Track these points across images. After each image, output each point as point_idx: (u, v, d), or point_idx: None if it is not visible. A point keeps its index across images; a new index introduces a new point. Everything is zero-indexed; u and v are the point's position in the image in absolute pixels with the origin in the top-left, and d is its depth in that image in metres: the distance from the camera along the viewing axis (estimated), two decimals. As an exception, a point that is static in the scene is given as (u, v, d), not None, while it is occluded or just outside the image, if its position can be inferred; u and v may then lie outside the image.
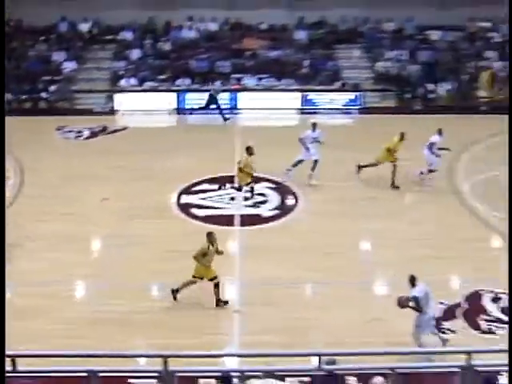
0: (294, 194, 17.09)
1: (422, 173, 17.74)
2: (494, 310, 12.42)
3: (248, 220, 15.59)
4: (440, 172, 17.96)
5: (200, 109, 23.05)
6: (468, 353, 5.96)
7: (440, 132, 17.42)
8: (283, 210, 16.27)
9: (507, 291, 12.56)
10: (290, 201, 16.74)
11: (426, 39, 26.73)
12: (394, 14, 26.56)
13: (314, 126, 17.62)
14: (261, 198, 16.74)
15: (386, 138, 17.63)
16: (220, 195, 16.89)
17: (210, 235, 12.16)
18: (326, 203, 16.47)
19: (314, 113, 23.61)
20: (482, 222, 15.74)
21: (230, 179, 17.34)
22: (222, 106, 23.04)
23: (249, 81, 24.72)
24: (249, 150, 16.39)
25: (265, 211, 16.14)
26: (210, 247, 12.07)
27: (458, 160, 19.37)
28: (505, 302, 12.54)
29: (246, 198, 16.62)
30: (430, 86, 24.64)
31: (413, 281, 10.70)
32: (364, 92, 24.43)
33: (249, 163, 16.33)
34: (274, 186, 17.36)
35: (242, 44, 25.87)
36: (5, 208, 11.49)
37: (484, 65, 25.30)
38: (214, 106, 22.81)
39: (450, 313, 12.23)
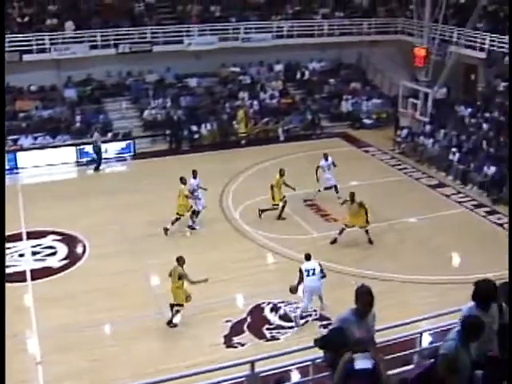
0: (81, 242, 16.75)
1: (319, 190, 19.25)
2: (274, 319, 13.09)
3: (39, 273, 15.08)
4: (213, 203, 18.77)
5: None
6: (251, 362, 6.27)
7: (326, 157, 19.50)
8: (72, 258, 15.87)
9: (284, 300, 13.44)
10: (78, 249, 16.45)
11: (185, 86, 27.73)
12: (154, 66, 27.30)
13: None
14: (49, 251, 16.22)
15: (159, 179, 18.23)
16: (10, 253, 15.98)
17: (179, 259, 12.60)
18: (112, 246, 16.43)
19: (92, 164, 23.27)
20: (253, 242, 16.64)
21: (16, 237, 16.55)
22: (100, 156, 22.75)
23: (25, 141, 23.71)
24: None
25: (55, 262, 15.69)
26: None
27: (229, 190, 20.40)
28: (283, 310, 13.34)
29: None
30: (194, 128, 25.57)
31: (308, 257, 12.86)
32: (135, 139, 24.56)
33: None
34: (60, 237, 16.91)
35: (15, 106, 24.81)
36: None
37: (238, 104, 26.86)
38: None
39: (237, 328, 12.74)
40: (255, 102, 27.53)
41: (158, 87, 27.18)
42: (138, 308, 13.41)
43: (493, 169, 20.41)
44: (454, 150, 22.42)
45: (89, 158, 23.38)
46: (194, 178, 17.51)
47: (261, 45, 27.71)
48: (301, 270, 12.69)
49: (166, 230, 17.00)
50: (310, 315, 13.15)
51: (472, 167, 21.26)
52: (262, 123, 26.70)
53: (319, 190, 19.38)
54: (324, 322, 12.72)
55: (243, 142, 25.75)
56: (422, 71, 25.25)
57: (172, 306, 12.88)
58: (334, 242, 16.40)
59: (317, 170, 19.19)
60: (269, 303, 13.63)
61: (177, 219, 17.08)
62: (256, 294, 13.88)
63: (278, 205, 17.91)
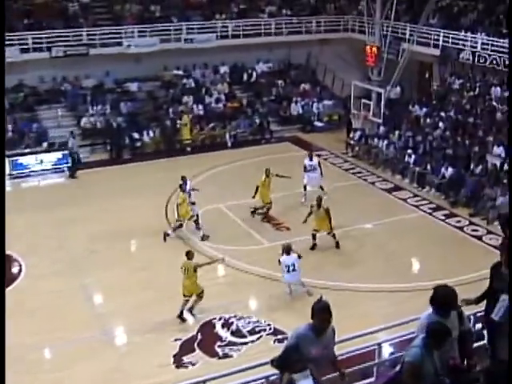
0: (16, 260, 16.33)
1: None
2: (226, 335, 13.00)
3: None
4: (159, 215, 18.61)
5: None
6: (203, 382, 6.18)
7: (310, 156, 20.47)
8: (7, 279, 15.45)
9: (236, 314, 13.45)
10: (13, 269, 16.04)
11: (125, 91, 27.46)
12: (91, 70, 26.88)
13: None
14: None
15: (102, 189, 17.95)
16: None
17: (188, 253, 13.57)
18: (50, 264, 16.12)
19: (27, 176, 22.81)
20: (201, 254, 16.30)
21: None
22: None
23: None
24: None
25: (-13, 284, 15.08)
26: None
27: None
28: (235, 325, 13.28)
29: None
30: (136, 135, 25.29)
31: (288, 250, 14.03)
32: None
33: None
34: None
35: None
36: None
37: (182, 109, 26.72)
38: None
39: (187, 347, 12.60)
40: (200, 107, 27.51)
41: (96, 93, 26.83)
42: (79, 329, 13.19)
43: (450, 170, 20.80)
44: (409, 151, 22.82)
45: (24, 170, 22.95)
46: (185, 183, 17.87)
47: (204, 46, 27.70)
48: (280, 263, 14.09)
49: (166, 235, 17.23)
50: (264, 330, 13.11)
51: (429, 169, 21.67)
52: (207, 129, 26.67)
53: (322, 189, 20.06)
54: (279, 337, 12.71)
55: (189, 149, 25.69)
56: (374, 70, 25.63)
57: (187, 300, 13.61)
58: (313, 247, 16.59)
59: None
60: (220, 318, 13.57)
61: (180, 225, 17.42)
62: (206, 309, 13.80)
63: (270, 203, 18.70)
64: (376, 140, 24.87)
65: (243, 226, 18.38)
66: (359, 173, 23.17)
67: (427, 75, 28.68)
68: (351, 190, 21.37)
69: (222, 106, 28.12)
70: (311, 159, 20.47)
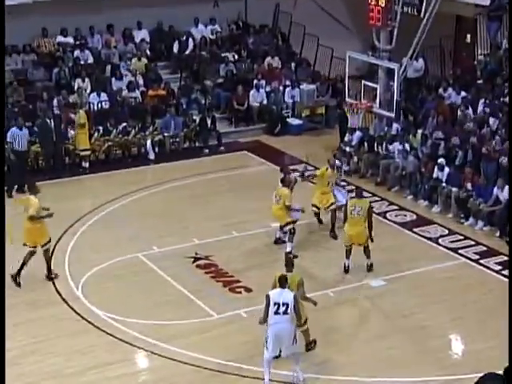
0: None
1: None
2: None
3: None
4: (40, 270, 18.30)
5: None
6: None
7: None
8: None
9: None
10: None
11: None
12: None
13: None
14: None
15: None
16: None
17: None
18: None
19: None
20: (106, 336, 16.30)
21: None
22: None
23: None
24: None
25: None
26: None
27: (65, 248, 20.01)
28: None
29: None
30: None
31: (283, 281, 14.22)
32: None
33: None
34: None
35: None
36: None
37: (73, 100, 26.55)
38: None
39: None
40: (103, 96, 27.39)
41: None
42: None
43: (507, 191, 20.69)
44: (440, 162, 22.71)
45: None
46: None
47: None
48: (268, 299, 14.05)
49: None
50: None
51: (473, 191, 21.63)
52: (117, 132, 26.40)
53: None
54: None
55: (86, 164, 25.45)
56: (381, 34, 25.49)
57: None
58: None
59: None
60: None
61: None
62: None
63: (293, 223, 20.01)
64: (386, 146, 24.87)
65: (177, 285, 18.34)
66: (362, 198, 23.16)
67: (468, 39, 28.81)
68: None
69: (139, 94, 28.04)
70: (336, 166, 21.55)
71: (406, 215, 22.17)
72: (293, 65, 30.58)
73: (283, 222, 19.58)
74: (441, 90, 26.41)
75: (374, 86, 25.59)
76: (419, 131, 24.63)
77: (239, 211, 21.70)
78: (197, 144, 27.42)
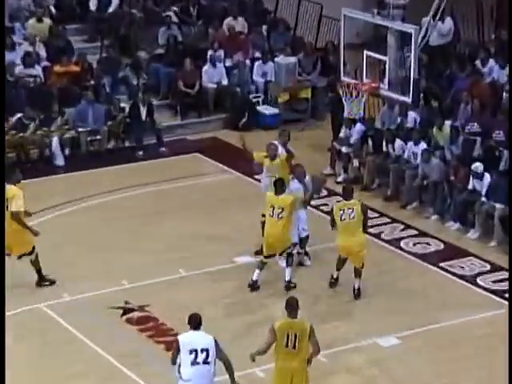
0: None
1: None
2: None
3: None
4: None
5: None
6: None
7: None
8: None
9: None
10: None
11: None
12: None
13: None
14: None
15: None
16: None
17: None
18: None
19: None
20: None
21: None
22: None
23: None
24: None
25: None
26: None
27: None
28: None
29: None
30: None
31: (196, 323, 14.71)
32: None
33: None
34: None
35: None
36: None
37: None
38: None
39: None
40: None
41: None
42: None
43: None
44: (478, 166, 22.93)
45: None
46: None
47: None
48: (178, 344, 14.56)
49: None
50: None
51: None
52: (8, 127, 26.49)
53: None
54: None
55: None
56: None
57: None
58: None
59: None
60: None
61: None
62: None
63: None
64: (400, 144, 25.12)
65: (97, 349, 18.25)
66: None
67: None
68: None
69: (41, 72, 28.20)
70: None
71: (429, 243, 22.38)
72: (264, 28, 30.82)
73: (286, 245, 20.06)
74: (478, 63, 26.70)
75: (382, 58, 25.66)
76: (447, 123, 24.93)
77: (190, 240, 21.84)
78: (127, 143, 27.72)
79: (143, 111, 27.55)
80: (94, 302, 19.66)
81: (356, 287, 19.77)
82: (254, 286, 20.15)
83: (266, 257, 20.21)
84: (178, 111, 28.95)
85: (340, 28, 26.65)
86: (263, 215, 20.73)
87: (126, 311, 19.41)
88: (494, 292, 20.26)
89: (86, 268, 20.93)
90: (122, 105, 27.81)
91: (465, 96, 25.31)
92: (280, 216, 19.72)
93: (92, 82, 28.32)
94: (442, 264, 21.42)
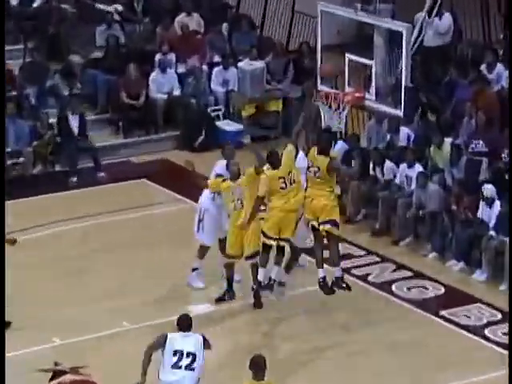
0: None
1: None
2: None
3: None
4: None
5: None
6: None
7: None
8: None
9: None
10: None
11: None
12: None
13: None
14: None
15: None
16: None
17: None
18: None
19: None
20: None
21: None
22: None
23: None
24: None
25: None
26: None
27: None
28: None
29: None
30: None
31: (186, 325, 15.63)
32: None
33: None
34: None
35: None
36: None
37: None
38: None
39: None
40: None
41: None
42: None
43: None
44: (488, 188, 23.00)
45: None
46: None
47: None
48: (164, 339, 15.47)
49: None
50: None
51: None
52: None
53: None
54: None
55: None
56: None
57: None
58: None
59: None
60: None
61: None
62: None
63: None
64: (389, 166, 25.09)
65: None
66: (349, 259, 23.47)
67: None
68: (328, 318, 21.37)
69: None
70: None
71: (426, 287, 22.47)
72: (224, 27, 30.85)
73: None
74: (483, 68, 26.76)
75: (367, 62, 25.76)
76: (447, 141, 24.97)
77: (134, 285, 21.82)
78: (57, 168, 27.77)
79: (75, 127, 27.52)
80: (17, 362, 19.39)
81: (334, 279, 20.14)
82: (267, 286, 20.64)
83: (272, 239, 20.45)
84: (119, 128, 29.10)
85: (316, 26, 26.67)
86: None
87: (56, 374, 18.92)
88: (505, 347, 20.15)
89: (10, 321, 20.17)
90: (51, 120, 27.83)
91: (468, 108, 25.44)
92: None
93: (13, 93, 28.36)
94: (442, 312, 21.50)
